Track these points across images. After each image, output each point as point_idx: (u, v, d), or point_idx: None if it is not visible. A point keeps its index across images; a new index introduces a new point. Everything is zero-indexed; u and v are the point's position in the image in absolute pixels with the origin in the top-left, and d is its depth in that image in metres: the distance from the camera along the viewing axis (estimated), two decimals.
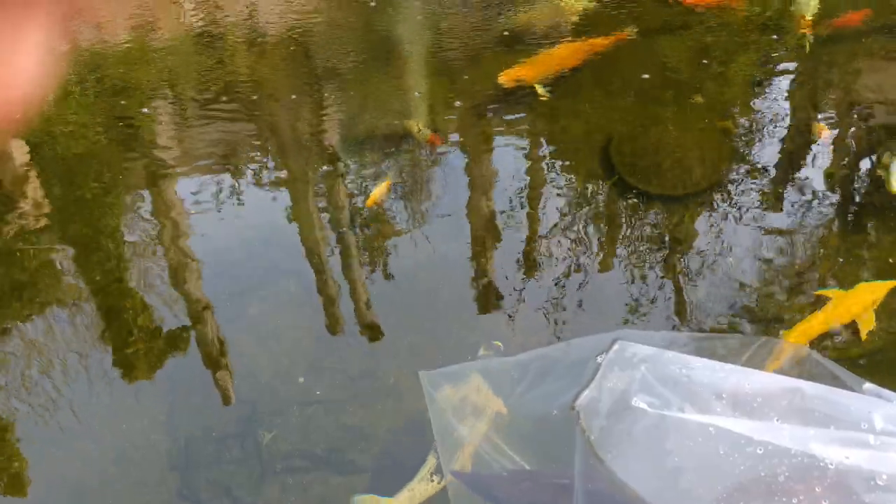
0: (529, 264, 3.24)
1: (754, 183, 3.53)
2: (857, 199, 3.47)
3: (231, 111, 4.27)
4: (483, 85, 4.23)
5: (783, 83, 4.20)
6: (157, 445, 2.71)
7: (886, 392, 2.24)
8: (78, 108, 4.27)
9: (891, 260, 3.09)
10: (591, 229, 3.39)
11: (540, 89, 4.06)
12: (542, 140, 3.99)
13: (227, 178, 3.84)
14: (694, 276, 3.11)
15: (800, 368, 2.38)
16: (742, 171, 3.61)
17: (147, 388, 2.89)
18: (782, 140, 3.80)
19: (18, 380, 2.95)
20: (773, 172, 3.60)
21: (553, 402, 2.34)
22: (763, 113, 3.98)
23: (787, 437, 2.11)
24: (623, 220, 3.43)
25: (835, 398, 2.18)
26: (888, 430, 2.10)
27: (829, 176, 3.56)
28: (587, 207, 3.51)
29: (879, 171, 3.48)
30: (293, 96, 4.38)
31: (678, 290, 3.07)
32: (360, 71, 4.50)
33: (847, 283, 2.97)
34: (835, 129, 3.84)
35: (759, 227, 3.29)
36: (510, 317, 3.01)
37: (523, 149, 3.90)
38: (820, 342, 2.72)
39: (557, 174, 3.72)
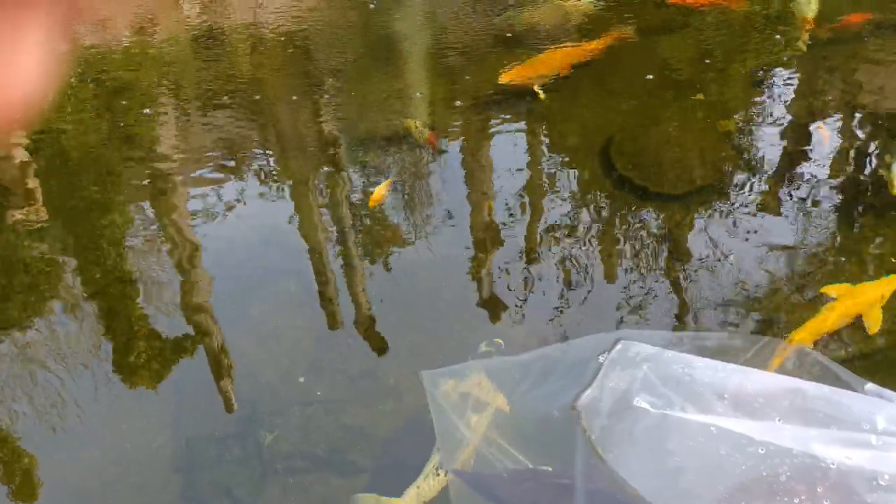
0: (530, 264, 3.24)
1: (755, 183, 3.53)
2: (859, 199, 3.46)
3: (232, 111, 4.26)
4: (484, 85, 4.22)
5: (784, 83, 4.19)
6: (157, 446, 2.70)
7: (888, 392, 2.23)
8: (78, 108, 4.27)
9: (893, 259, 3.09)
10: (592, 229, 3.39)
11: (539, 90, 4.06)
12: (543, 140, 3.98)
13: (227, 179, 3.84)
14: (695, 275, 3.11)
15: (802, 369, 2.38)
16: (743, 170, 3.61)
17: (147, 388, 2.89)
18: (783, 140, 3.80)
19: (18, 380, 2.94)
20: (773, 173, 3.60)
21: (554, 402, 2.34)
22: (764, 113, 3.98)
23: (788, 437, 2.11)
24: (624, 219, 3.42)
25: (837, 398, 2.17)
26: (890, 431, 2.09)
27: (830, 176, 3.56)
28: (588, 207, 3.51)
29: (881, 172, 3.47)
30: (294, 97, 4.38)
31: (680, 290, 3.07)
32: (361, 71, 4.50)
33: (849, 282, 2.96)
34: (836, 129, 3.84)
35: (759, 227, 3.29)
36: (511, 317, 3.01)
37: (524, 149, 3.89)
38: (821, 342, 2.72)
39: (558, 174, 3.72)
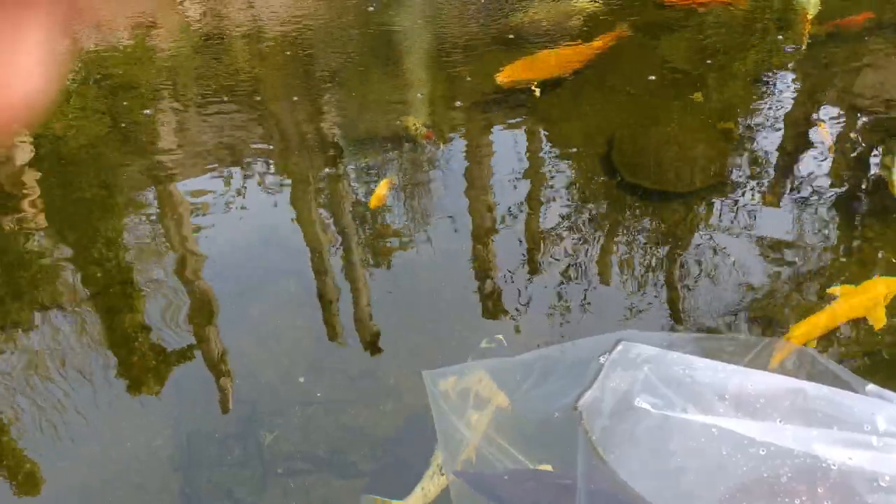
0: (531, 264, 3.24)
1: (756, 183, 3.53)
2: (859, 199, 3.46)
3: (232, 112, 4.26)
4: (484, 85, 4.22)
5: (785, 83, 4.19)
6: (157, 446, 2.70)
7: (889, 393, 2.23)
8: (79, 108, 4.27)
9: (894, 260, 3.08)
10: (593, 228, 3.39)
11: (535, 89, 4.05)
12: (544, 140, 3.98)
13: (228, 179, 3.84)
14: (696, 275, 3.11)
15: (803, 369, 2.37)
16: (743, 170, 3.61)
17: (147, 388, 2.88)
18: (784, 140, 3.79)
19: (19, 380, 2.94)
20: (774, 172, 3.60)
21: (555, 403, 2.33)
22: (764, 112, 3.98)
23: (789, 437, 2.10)
24: (625, 219, 3.42)
25: (838, 399, 2.17)
26: (891, 432, 2.09)
27: (830, 176, 3.55)
28: (589, 207, 3.50)
29: (881, 172, 3.47)
30: (294, 97, 4.38)
31: (681, 290, 3.07)
32: (362, 71, 4.50)
33: (849, 283, 2.95)
34: (836, 129, 3.84)
35: (760, 227, 3.29)
36: (511, 317, 3.00)
37: (525, 148, 3.89)
38: (822, 342, 2.72)
39: (559, 174, 3.71)
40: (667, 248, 3.26)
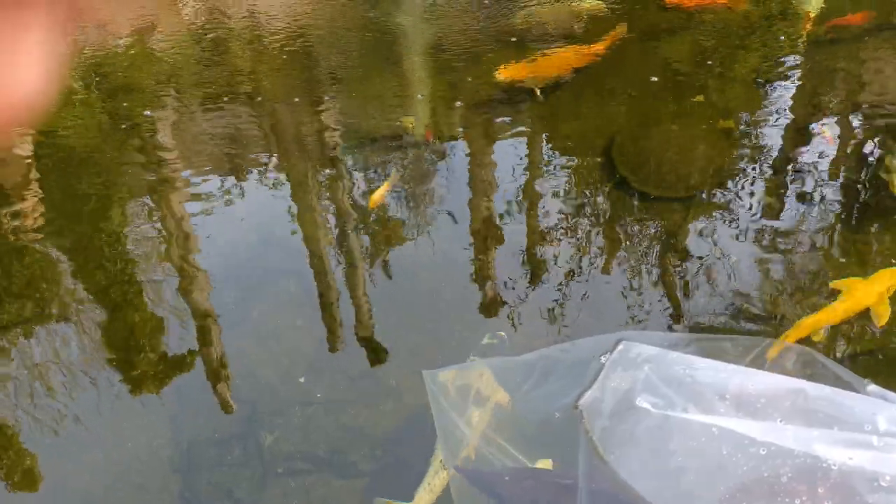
0: (531, 264, 3.24)
1: (756, 183, 3.52)
2: (860, 200, 3.46)
3: (232, 112, 4.26)
4: (485, 86, 4.22)
5: (786, 83, 4.19)
6: (157, 446, 2.70)
7: (890, 394, 2.23)
8: (80, 109, 4.27)
9: (894, 260, 3.08)
10: (593, 230, 3.38)
11: (537, 91, 4.05)
12: (544, 141, 3.98)
13: (228, 179, 3.84)
14: (697, 276, 3.11)
15: (803, 369, 2.37)
16: (744, 171, 3.61)
17: (147, 388, 2.88)
18: (784, 141, 3.79)
19: (19, 381, 2.94)
20: (775, 173, 3.59)
21: (556, 402, 2.33)
22: (765, 112, 3.98)
23: (790, 437, 2.10)
24: (625, 219, 3.42)
25: (839, 399, 2.17)
26: (892, 432, 2.09)
27: (830, 177, 3.55)
28: (589, 208, 3.50)
29: (882, 174, 3.47)
30: (295, 98, 4.38)
31: (681, 291, 3.07)
32: (362, 72, 4.50)
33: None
34: (837, 130, 3.84)
35: (761, 228, 3.29)
36: (512, 317, 3.00)
37: (525, 149, 3.89)
38: (823, 342, 2.71)
39: (559, 175, 3.71)
40: (668, 248, 3.26)
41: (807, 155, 3.70)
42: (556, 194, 3.57)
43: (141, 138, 4.12)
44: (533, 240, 3.37)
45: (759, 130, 3.86)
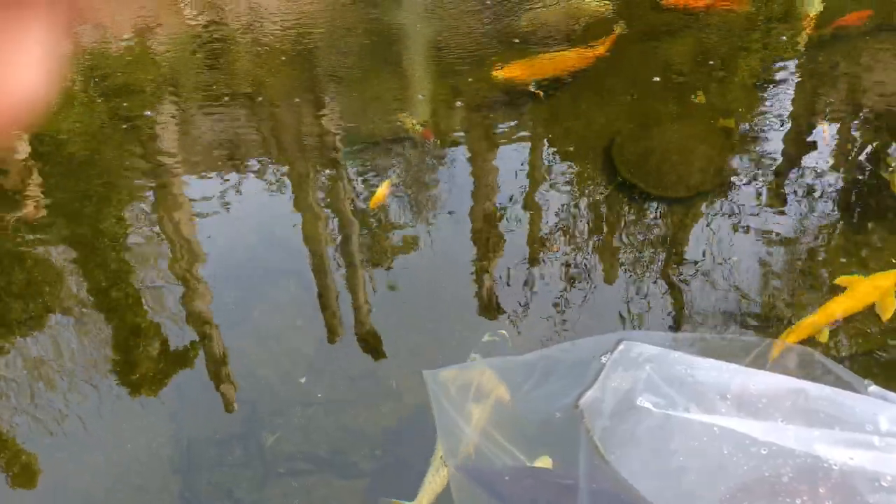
0: (531, 264, 3.23)
1: (757, 183, 3.52)
2: (861, 199, 3.46)
3: (233, 113, 4.26)
4: (486, 86, 4.21)
5: (786, 83, 4.18)
6: (158, 446, 2.70)
7: (891, 394, 2.23)
8: (80, 110, 4.27)
9: (894, 260, 3.08)
10: (593, 230, 3.38)
11: (538, 91, 4.05)
12: (545, 141, 3.98)
13: (228, 180, 3.83)
14: (698, 276, 3.10)
15: (804, 370, 2.37)
16: (745, 171, 3.60)
17: (148, 389, 2.88)
18: (785, 140, 3.79)
19: (19, 381, 2.94)
20: (775, 173, 3.59)
21: (556, 402, 2.33)
22: (766, 113, 3.97)
23: (791, 437, 2.10)
24: (626, 220, 3.42)
25: (840, 399, 2.17)
26: (893, 432, 2.09)
27: (831, 176, 3.55)
28: (590, 208, 3.50)
29: (883, 173, 3.47)
30: (295, 98, 4.38)
31: (682, 291, 3.06)
32: (362, 72, 4.49)
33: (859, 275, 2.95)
34: (838, 129, 3.83)
35: (762, 227, 3.28)
36: (512, 317, 3.00)
37: (525, 150, 3.89)
38: (824, 343, 2.71)
39: (560, 174, 3.71)
40: (668, 248, 3.26)
41: (807, 154, 3.69)
42: (556, 194, 3.57)
43: (141, 139, 4.12)
44: (533, 240, 3.36)
45: (759, 130, 3.86)
